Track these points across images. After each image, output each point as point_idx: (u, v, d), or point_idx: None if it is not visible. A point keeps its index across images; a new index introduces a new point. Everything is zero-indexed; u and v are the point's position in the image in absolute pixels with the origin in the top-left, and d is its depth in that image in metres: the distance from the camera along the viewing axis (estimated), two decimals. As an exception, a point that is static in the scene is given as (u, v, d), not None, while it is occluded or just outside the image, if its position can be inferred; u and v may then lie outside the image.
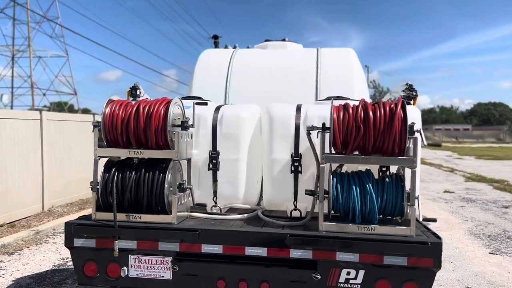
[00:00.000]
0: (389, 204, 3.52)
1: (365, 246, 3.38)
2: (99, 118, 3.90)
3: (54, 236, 8.32)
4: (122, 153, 3.81)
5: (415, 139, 3.45)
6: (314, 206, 3.89)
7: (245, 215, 4.04)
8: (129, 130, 3.74)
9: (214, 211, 4.18)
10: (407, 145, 3.46)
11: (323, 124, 3.65)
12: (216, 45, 6.07)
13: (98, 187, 3.77)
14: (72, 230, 3.69)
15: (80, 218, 3.95)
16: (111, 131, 3.77)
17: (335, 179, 3.57)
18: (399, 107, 3.46)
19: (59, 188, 10.93)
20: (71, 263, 6.47)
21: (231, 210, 4.25)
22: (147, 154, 3.77)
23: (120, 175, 3.77)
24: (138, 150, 3.76)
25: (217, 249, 3.58)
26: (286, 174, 4.04)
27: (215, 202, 4.19)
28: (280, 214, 4.09)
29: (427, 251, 3.32)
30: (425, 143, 3.80)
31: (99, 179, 3.79)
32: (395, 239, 3.38)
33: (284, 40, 6.00)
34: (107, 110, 3.78)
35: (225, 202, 4.21)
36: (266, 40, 6.13)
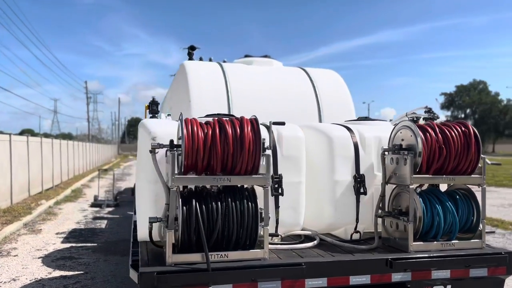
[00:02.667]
0: (463, 220, 3.77)
1: (456, 262, 3.55)
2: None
3: None
4: (207, 181, 3.21)
5: (483, 159, 3.79)
6: (377, 227, 3.92)
7: (314, 242, 3.82)
8: (215, 154, 3.19)
9: (276, 240, 3.83)
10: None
11: (400, 145, 3.73)
12: (191, 57, 5.43)
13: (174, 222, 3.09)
14: (155, 282, 2.94)
15: (147, 265, 3.16)
16: (191, 155, 3.15)
17: (420, 199, 3.66)
18: (471, 129, 3.76)
19: None
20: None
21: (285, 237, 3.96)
22: (236, 181, 3.26)
23: (204, 207, 3.17)
24: (225, 177, 3.23)
25: (321, 282, 3.30)
26: (349, 196, 3.96)
27: (276, 230, 3.84)
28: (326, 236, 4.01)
29: (503, 261, 3.67)
30: (489, 162, 4.20)
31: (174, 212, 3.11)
32: (480, 253, 3.63)
33: (266, 56, 5.85)
34: (185, 130, 3.15)
35: (285, 230, 3.90)
36: (246, 56, 5.88)
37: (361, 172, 3.99)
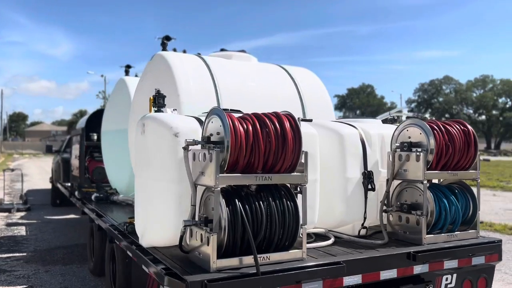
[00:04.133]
0: (465, 212, 4.05)
1: (464, 252, 3.80)
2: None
3: None
4: (249, 180, 3.02)
5: (478, 156, 4.11)
6: (382, 222, 4.04)
7: (332, 240, 3.82)
8: (257, 151, 3.01)
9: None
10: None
11: (410, 143, 3.89)
12: (164, 47, 4.87)
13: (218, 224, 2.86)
14: None
15: (186, 273, 2.87)
16: (235, 152, 2.94)
17: (430, 194, 3.84)
18: (470, 128, 4.04)
19: None
20: None
21: None
22: (276, 179, 3.12)
23: (248, 207, 2.98)
24: (266, 175, 3.07)
25: (357, 279, 3.30)
26: (359, 193, 4.02)
27: (293, 229, 3.75)
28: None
29: (496, 248, 4.00)
30: (481, 158, 4.51)
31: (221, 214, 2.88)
32: (481, 242, 3.92)
33: (243, 51, 5.67)
34: (231, 125, 2.93)
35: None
36: (222, 50, 5.65)
37: (368, 169, 4.07)
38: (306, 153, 3.21)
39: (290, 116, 3.18)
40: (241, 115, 3.17)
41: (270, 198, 3.09)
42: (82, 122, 9.05)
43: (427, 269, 3.63)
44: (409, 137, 3.99)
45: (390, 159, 4.02)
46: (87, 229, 6.75)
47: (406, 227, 3.91)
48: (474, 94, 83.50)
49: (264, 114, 3.18)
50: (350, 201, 4.00)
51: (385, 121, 4.75)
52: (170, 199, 3.27)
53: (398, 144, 3.94)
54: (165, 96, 3.76)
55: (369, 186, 4.05)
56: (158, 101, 3.69)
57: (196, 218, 3.12)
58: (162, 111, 3.73)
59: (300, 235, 3.19)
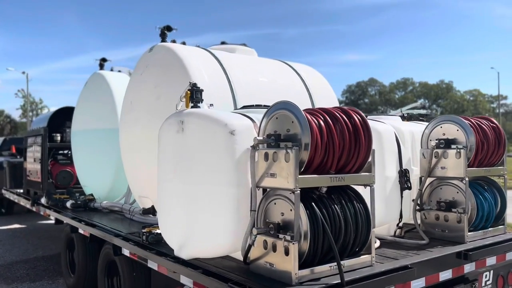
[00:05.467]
0: (496, 209, 4.07)
1: (501, 248, 3.80)
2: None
3: None
4: (324, 181, 2.75)
5: (506, 152, 4.15)
6: (416, 221, 3.96)
7: (377, 243, 3.64)
8: (332, 149, 2.76)
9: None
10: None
11: (448, 140, 3.83)
12: (164, 39, 4.28)
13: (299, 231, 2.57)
14: None
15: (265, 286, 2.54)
16: (313, 151, 2.67)
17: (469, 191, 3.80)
18: (498, 124, 4.07)
19: None
20: None
21: None
22: (349, 180, 2.88)
23: (325, 211, 2.72)
24: (340, 175, 2.82)
25: (421, 283, 3.16)
26: (396, 192, 3.89)
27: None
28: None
29: None
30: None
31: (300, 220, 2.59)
32: None
33: (245, 45, 5.34)
34: (310, 122, 2.65)
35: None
36: (223, 43, 5.28)
37: (403, 167, 3.96)
38: (373, 151, 3.01)
39: (356, 111, 2.96)
40: (308, 109, 2.89)
41: (343, 201, 2.85)
42: (41, 121, 8.14)
43: (474, 267, 3.58)
44: (444, 134, 3.93)
45: (425, 157, 3.93)
46: (62, 240, 6.04)
47: (445, 226, 3.84)
48: (397, 96, 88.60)
49: (331, 108, 2.93)
50: (388, 201, 3.86)
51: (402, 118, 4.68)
52: (226, 204, 2.90)
53: (436, 141, 3.86)
54: (202, 90, 3.37)
55: (405, 185, 3.93)
56: (195, 96, 3.30)
57: (259, 225, 2.81)
58: (199, 107, 3.34)
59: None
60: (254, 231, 2.69)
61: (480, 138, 3.87)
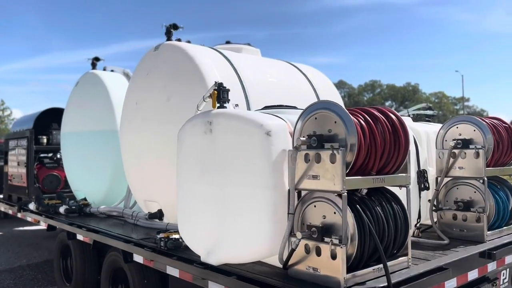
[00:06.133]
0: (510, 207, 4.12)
1: None
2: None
3: None
4: (367, 183, 2.70)
5: (515, 152, 4.22)
6: (433, 221, 3.97)
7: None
8: (374, 150, 2.71)
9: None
10: (515, 157, 4.18)
11: (465, 140, 3.86)
12: (169, 37, 4.04)
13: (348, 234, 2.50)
14: None
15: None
16: (357, 152, 2.61)
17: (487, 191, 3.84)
18: (510, 124, 4.13)
19: None
20: None
21: None
22: (388, 181, 2.84)
23: (369, 213, 2.66)
24: (380, 177, 2.78)
25: (453, 283, 3.15)
26: (415, 193, 3.89)
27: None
28: None
29: None
30: None
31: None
32: None
33: (249, 44, 5.23)
34: (349, 120, 2.59)
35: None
36: (228, 42, 5.17)
37: (421, 167, 3.96)
38: (409, 152, 2.97)
39: (391, 111, 2.92)
40: (348, 109, 2.83)
41: (383, 202, 2.80)
42: (25, 123, 7.75)
43: (495, 266, 3.61)
44: (460, 134, 3.96)
45: (442, 157, 3.95)
46: (56, 247, 5.76)
47: (463, 225, 3.86)
48: (365, 98, 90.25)
49: (369, 107, 2.89)
50: (409, 201, 3.85)
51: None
52: (263, 207, 2.80)
53: (454, 142, 3.87)
54: (229, 90, 3.26)
55: (424, 185, 3.93)
56: (222, 95, 3.18)
57: (298, 228, 2.73)
58: (226, 107, 3.23)
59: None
60: (299, 234, 2.60)
61: (496, 138, 3.91)
